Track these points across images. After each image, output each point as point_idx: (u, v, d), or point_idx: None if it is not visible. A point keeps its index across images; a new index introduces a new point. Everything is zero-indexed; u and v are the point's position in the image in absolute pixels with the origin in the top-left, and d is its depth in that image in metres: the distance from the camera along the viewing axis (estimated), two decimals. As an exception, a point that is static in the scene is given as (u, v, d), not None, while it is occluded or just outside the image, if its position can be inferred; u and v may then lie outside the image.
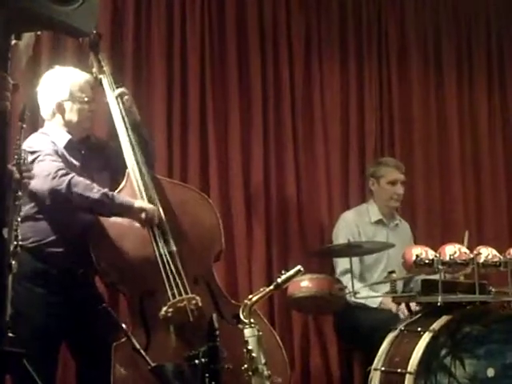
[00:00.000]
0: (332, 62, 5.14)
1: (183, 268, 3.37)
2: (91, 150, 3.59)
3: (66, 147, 3.46)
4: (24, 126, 2.73)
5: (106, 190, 3.35)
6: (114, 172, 3.63)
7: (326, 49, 5.13)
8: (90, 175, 3.46)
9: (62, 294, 3.34)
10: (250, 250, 4.75)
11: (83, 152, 3.54)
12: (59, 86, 3.50)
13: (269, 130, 4.91)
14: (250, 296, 3.00)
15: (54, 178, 3.26)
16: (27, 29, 2.53)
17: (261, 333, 2.93)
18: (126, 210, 3.38)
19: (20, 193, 2.65)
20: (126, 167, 3.55)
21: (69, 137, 3.49)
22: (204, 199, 3.76)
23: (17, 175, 2.66)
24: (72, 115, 3.50)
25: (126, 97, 3.67)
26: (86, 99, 3.51)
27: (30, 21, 2.39)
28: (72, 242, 3.37)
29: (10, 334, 2.48)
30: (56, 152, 3.39)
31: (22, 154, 2.70)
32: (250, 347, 2.88)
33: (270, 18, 4.98)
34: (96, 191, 3.31)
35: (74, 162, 3.47)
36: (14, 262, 2.55)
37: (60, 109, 3.50)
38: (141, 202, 3.42)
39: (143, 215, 3.38)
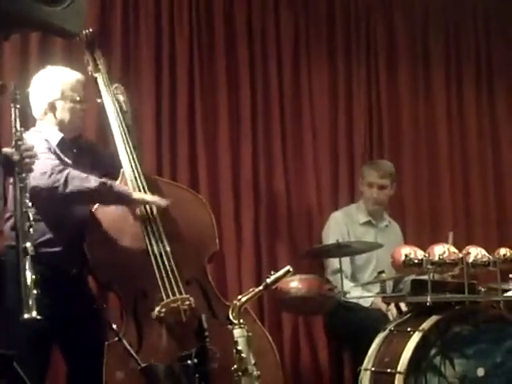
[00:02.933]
0: (321, 63, 5.16)
1: (177, 268, 3.36)
2: (82, 149, 3.59)
3: (58, 145, 3.46)
4: (18, 106, 2.71)
5: (103, 179, 3.36)
6: (105, 173, 3.62)
7: (314, 51, 5.14)
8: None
9: (56, 294, 3.31)
10: (239, 251, 4.76)
11: (75, 151, 3.54)
12: (51, 86, 3.50)
13: (258, 131, 4.92)
14: (240, 296, 3.00)
15: (50, 175, 3.26)
16: (15, 30, 2.52)
17: (250, 333, 2.93)
18: (125, 199, 3.39)
19: (24, 174, 2.63)
20: (115, 169, 3.55)
21: (61, 135, 3.49)
22: (199, 200, 3.75)
23: (16, 157, 2.63)
24: (64, 114, 3.50)
25: (121, 96, 3.69)
26: (77, 98, 3.51)
27: (18, 22, 2.38)
28: (66, 242, 3.36)
29: (38, 317, 2.44)
30: (49, 149, 3.39)
31: (18, 134, 2.66)
32: (239, 348, 2.88)
33: (259, 18, 4.99)
34: (93, 181, 3.31)
35: (67, 160, 3.46)
36: (29, 245, 2.49)
37: (52, 108, 3.50)
38: (140, 194, 3.43)
39: (142, 207, 3.41)
